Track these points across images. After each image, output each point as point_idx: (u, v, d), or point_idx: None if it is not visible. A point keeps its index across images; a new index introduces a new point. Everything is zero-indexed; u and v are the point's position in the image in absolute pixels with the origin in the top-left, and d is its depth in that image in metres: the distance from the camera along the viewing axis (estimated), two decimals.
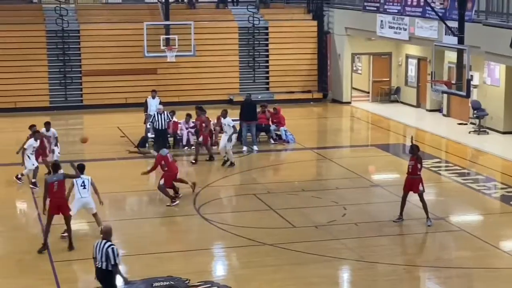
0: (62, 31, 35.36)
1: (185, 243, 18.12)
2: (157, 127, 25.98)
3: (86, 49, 35.63)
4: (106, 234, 13.81)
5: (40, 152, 23.10)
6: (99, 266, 13.67)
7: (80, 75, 35.68)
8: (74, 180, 18.09)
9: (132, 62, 35.12)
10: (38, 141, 22.76)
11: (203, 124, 26.08)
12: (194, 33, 32.06)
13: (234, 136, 25.79)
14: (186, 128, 27.22)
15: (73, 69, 35.50)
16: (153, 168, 21.56)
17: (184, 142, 27.26)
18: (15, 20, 35.41)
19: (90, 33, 35.76)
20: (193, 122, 27.23)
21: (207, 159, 25.72)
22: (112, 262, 13.54)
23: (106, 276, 13.71)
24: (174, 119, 27.15)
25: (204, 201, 21.35)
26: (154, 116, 26.16)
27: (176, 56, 31.96)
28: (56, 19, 35.32)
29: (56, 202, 17.39)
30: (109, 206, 21.06)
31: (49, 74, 35.31)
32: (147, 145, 27.48)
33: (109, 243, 13.67)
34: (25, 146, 22.53)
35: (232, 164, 25.01)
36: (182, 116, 27.68)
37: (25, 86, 34.71)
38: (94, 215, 18.46)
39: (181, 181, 21.52)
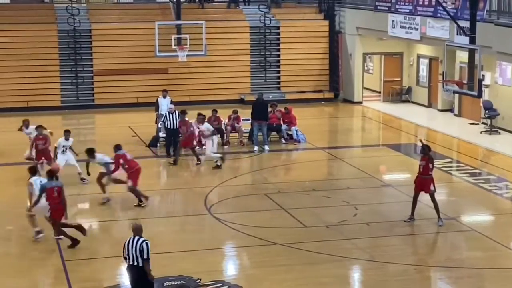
0: (73, 31, 35.45)
1: (196, 243, 18.09)
2: (168, 127, 26.07)
3: (97, 49, 35.71)
4: (138, 231, 13.79)
5: (41, 155, 22.98)
6: (134, 264, 13.56)
7: (91, 74, 35.76)
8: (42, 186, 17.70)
9: (144, 62, 35.14)
10: (70, 139, 22.79)
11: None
12: (206, 33, 32.05)
13: (215, 140, 25.47)
14: (198, 128, 27.19)
15: (84, 69, 35.59)
16: (115, 169, 20.75)
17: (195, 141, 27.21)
18: (27, 19, 35.51)
19: (102, 32, 35.84)
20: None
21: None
22: (145, 257, 13.50)
23: (142, 273, 13.58)
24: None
25: (215, 200, 21.39)
26: (166, 115, 26.25)
27: (187, 55, 31.95)
28: (68, 19, 35.41)
29: (55, 207, 17.44)
30: (121, 205, 21.11)
31: (60, 74, 35.38)
32: (158, 144, 27.55)
33: (142, 238, 13.66)
34: (55, 145, 22.55)
35: (218, 166, 24.71)
36: (192, 116, 27.64)
37: (37, 86, 34.82)
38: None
39: (121, 182, 20.94)
